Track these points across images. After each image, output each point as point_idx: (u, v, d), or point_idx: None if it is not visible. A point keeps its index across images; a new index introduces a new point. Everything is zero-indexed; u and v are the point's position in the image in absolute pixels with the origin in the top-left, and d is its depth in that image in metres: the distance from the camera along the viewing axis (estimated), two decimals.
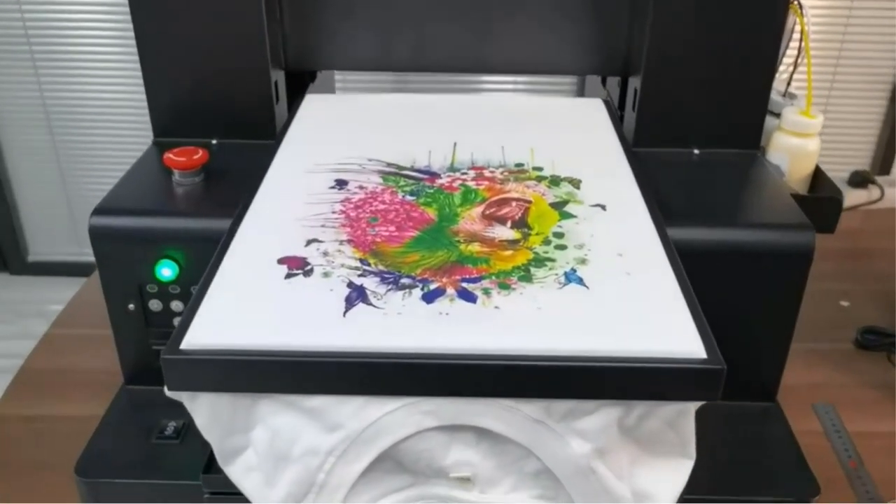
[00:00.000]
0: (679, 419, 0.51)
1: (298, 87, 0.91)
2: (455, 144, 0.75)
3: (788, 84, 0.88)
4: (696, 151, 0.81)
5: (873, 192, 1.28)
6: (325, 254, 0.58)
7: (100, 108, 2.12)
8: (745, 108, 0.79)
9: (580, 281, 0.55)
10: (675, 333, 0.51)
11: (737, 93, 0.78)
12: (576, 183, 0.68)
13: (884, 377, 0.87)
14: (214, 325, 0.51)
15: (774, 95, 0.83)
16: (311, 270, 0.56)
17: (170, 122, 0.82)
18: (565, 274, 0.56)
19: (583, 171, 0.70)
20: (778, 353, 0.74)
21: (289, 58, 0.88)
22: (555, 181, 0.68)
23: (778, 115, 0.83)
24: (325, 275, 0.56)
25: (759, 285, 0.69)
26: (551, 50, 0.88)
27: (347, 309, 0.52)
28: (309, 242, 0.59)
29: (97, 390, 0.76)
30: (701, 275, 0.58)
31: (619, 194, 0.68)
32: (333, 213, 0.63)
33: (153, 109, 0.82)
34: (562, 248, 0.59)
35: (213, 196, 0.72)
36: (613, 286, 0.55)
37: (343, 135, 0.78)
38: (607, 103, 0.87)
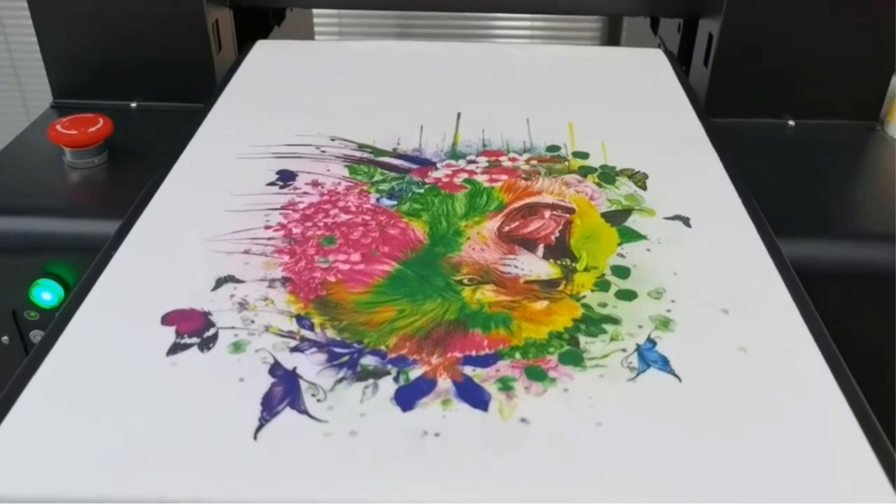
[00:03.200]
0: None
1: (259, 33, 0.74)
2: (459, 116, 0.56)
3: None
4: (791, 123, 0.66)
5: None
6: (243, 304, 0.37)
7: None
8: (861, 66, 0.64)
9: (665, 364, 0.33)
10: (843, 475, 0.29)
11: (851, 44, 0.63)
12: (639, 179, 0.47)
13: None
14: (16, 458, 0.29)
15: None
16: (214, 338, 0.35)
17: (73, 79, 0.66)
18: (639, 351, 0.34)
19: (648, 158, 0.51)
20: None
21: None
22: (608, 176, 0.47)
23: None
24: (236, 347, 0.35)
25: None
26: None
27: (264, 422, 0.30)
28: (220, 282, 0.39)
29: None
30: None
31: (707, 197, 0.46)
32: (268, 227, 0.44)
33: (48, 62, 0.66)
34: (629, 296, 0.38)
35: (117, 186, 0.56)
36: (723, 375, 0.33)
37: (298, 100, 0.60)
38: (670, 55, 0.69)
